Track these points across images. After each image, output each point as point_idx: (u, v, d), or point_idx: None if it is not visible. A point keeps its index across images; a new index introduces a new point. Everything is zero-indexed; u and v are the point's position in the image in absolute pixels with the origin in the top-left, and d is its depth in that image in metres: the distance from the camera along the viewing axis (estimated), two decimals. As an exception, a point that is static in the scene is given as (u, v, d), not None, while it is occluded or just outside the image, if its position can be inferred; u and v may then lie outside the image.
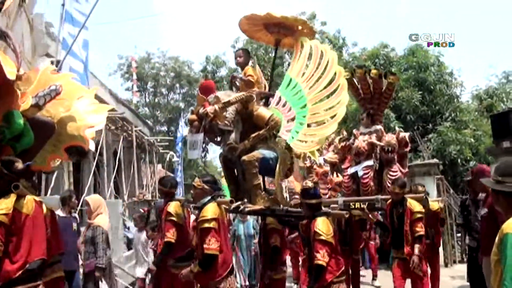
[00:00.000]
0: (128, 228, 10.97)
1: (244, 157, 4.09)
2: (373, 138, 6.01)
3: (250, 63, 5.09)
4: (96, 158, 12.36)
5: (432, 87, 15.42)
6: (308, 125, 4.18)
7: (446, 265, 9.59)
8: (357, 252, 6.71)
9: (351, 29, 54.28)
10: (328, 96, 4.28)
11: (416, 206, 5.11)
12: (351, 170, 6.19)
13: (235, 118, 4.16)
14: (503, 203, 2.29)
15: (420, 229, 5.00)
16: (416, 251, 4.94)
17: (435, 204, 6.55)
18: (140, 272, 6.99)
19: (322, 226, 3.94)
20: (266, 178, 4.91)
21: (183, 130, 18.71)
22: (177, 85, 33.24)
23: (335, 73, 4.29)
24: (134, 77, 26.48)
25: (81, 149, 3.39)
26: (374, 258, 8.78)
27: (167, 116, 32.43)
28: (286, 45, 5.41)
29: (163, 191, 4.79)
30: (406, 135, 6.07)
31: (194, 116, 4.20)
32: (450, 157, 13.92)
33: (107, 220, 5.08)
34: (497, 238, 2.17)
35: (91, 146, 3.43)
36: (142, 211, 10.82)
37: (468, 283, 6.47)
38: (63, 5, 8.70)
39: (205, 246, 3.75)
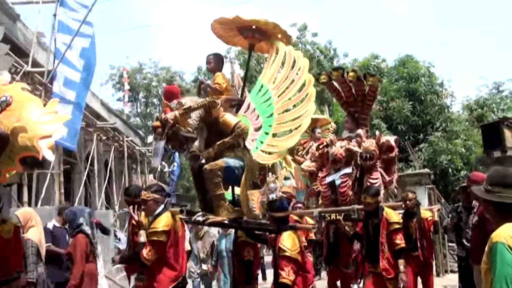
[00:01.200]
0: (119, 239, 10.96)
1: (206, 166, 3.91)
2: (353, 144, 5.57)
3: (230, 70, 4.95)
4: (87, 169, 12.21)
5: (422, 98, 15.58)
6: (274, 135, 4.01)
7: (438, 275, 9.39)
8: (346, 265, 6.27)
9: (343, 40, 54.74)
10: (295, 106, 4.13)
11: (393, 216, 4.70)
12: (328, 179, 5.75)
13: (199, 125, 3.98)
14: (493, 212, 2.31)
15: (401, 241, 4.61)
16: (402, 267, 4.53)
17: (427, 212, 6.33)
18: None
19: (287, 241, 3.73)
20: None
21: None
22: (169, 95, 33.05)
23: (305, 82, 4.13)
24: (126, 87, 26.31)
25: (36, 160, 3.24)
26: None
27: (158, 126, 32.20)
28: (264, 51, 5.27)
29: (128, 201, 4.59)
30: (391, 139, 5.59)
31: (157, 123, 4.03)
32: (441, 166, 14.01)
33: (39, 233, 4.90)
34: (486, 247, 2.17)
35: (49, 156, 3.25)
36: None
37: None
38: (55, 15, 8.58)
39: (144, 252, 3.79)
